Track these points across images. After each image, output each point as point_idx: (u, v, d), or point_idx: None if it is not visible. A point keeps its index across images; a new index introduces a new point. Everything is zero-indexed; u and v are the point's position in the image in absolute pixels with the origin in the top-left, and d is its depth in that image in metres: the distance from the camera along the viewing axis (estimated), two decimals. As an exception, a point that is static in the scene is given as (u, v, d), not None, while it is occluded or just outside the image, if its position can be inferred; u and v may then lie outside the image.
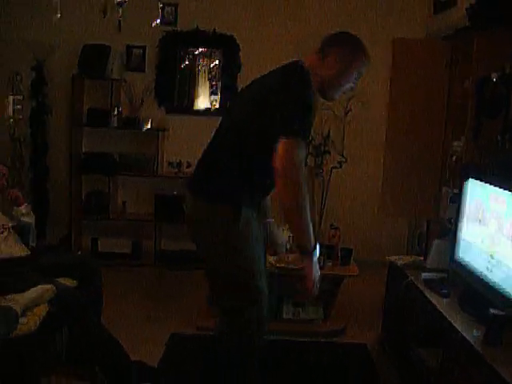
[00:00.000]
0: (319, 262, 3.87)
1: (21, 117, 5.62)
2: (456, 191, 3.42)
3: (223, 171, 2.46)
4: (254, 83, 2.59)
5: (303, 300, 3.89)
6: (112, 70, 5.41)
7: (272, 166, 2.25)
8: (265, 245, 2.73)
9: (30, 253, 3.45)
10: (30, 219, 3.69)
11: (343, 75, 2.48)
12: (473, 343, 2.43)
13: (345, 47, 2.49)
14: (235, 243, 2.45)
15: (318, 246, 2.36)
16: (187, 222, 2.66)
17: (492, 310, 2.44)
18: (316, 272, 2.38)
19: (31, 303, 2.89)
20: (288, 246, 4.10)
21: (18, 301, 2.82)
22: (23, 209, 3.64)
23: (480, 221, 2.94)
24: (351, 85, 2.55)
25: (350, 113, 5.31)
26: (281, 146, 2.21)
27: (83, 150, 5.64)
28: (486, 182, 2.92)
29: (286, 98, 2.29)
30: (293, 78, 2.38)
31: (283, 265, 3.78)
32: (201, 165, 2.64)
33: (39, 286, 2.98)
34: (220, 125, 2.64)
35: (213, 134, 2.64)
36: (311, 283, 2.37)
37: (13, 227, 3.51)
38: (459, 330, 2.58)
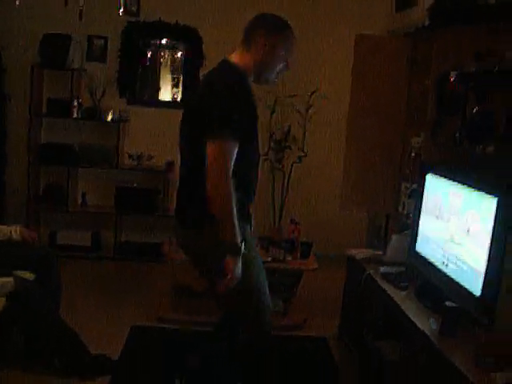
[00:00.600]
0: (281, 256, 3.93)
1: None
2: (415, 186, 3.48)
3: (196, 191, 2.40)
4: (196, 91, 2.61)
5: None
6: (73, 60, 5.32)
7: (243, 167, 2.32)
8: None
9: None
10: None
11: (272, 56, 2.47)
12: (429, 335, 2.48)
13: (266, 28, 2.45)
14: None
15: (243, 246, 2.34)
16: (182, 249, 2.66)
17: (448, 303, 2.50)
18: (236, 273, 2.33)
19: (-12, 296, 2.85)
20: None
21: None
22: None
23: (437, 215, 3.00)
24: (283, 63, 2.52)
25: (311, 108, 5.35)
26: (208, 150, 2.25)
27: (42, 141, 5.56)
28: (444, 178, 2.98)
29: (209, 100, 2.32)
30: (215, 78, 2.43)
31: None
32: (178, 190, 2.60)
33: (-3, 279, 2.95)
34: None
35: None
36: (228, 283, 2.33)
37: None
38: (416, 322, 2.64)
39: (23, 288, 3.07)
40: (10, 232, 3.49)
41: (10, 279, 3.01)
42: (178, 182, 2.60)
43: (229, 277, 2.30)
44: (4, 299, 2.96)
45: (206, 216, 2.31)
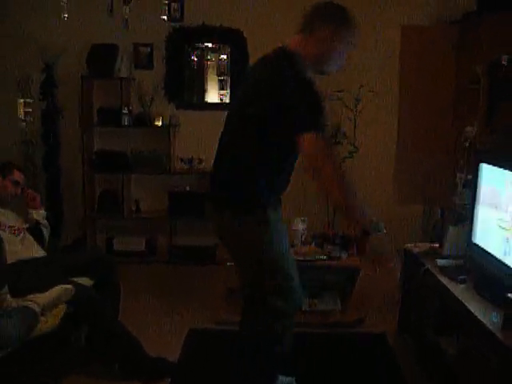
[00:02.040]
0: (336, 253, 3.89)
1: (32, 119, 5.66)
2: (470, 177, 3.40)
3: (240, 176, 2.45)
4: (248, 80, 2.57)
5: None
6: (120, 68, 5.41)
7: (287, 157, 2.35)
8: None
9: (46, 254, 3.48)
10: (45, 223, 3.71)
11: (332, 51, 2.42)
12: (491, 329, 2.41)
13: (331, 20, 2.39)
14: (266, 246, 2.46)
15: (381, 224, 2.31)
16: (215, 232, 2.68)
17: (510, 295, 2.43)
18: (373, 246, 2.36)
19: (50, 303, 2.92)
20: (303, 238, 4.10)
21: (37, 301, 2.85)
22: (40, 212, 3.66)
23: (495, 205, 2.92)
24: (344, 56, 2.48)
25: (360, 102, 5.28)
26: (306, 144, 2.23)
27: (95, 149, 5.66)
28: (499, 167, 2.90)
29: (292, 97, 2.26)
30: (289, 73, 2.32)
31: (300, 258, 3.78)
32: (216, 174, 2.62)
33: (58, 287, 3.01)
34: (225, 128, 2.62)
35: (220, 138, 2.63)
36: (387, 259, 2.36)
37: (27, 229, 3.54)
38: (477, 315, 2.57)
39: (83, 294, 3.13)
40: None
41: (71, 286, 3.07)
42: (221, 166, 2.59)
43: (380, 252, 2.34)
44: (65, 306, 3.02)
45: (250, 204, 2.39)
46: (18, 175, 3.50)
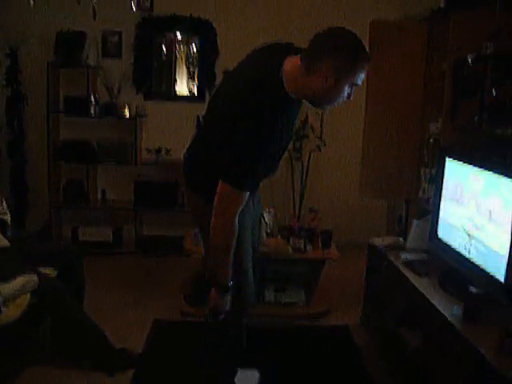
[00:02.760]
0: (302, 246, 3.92)
1: (-4, 106, 5.56)
2: (434, 172, 3.45)
3: (213, 168, 2.33)
4: (232, 78, 2.39)
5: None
6: (88, 56, 5.35)
7: None
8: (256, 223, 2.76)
9: (9, 243, 3.43)
10: (5, 216, 3.64)
11: (339, 86, 2.11)
12: (452, 321, 2.47)
13: (339, 54, 2.05)
14: None
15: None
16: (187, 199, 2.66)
17: (471, 289, 2.48)
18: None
19: (13, 294, 2.89)
20: (269, 231, 4.12)
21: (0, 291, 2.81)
22: None
23: (458, 200, 2.98)
24: (346, 96, 2.18)
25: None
26: (221, 190, 2.15)
27: (61, 139, 5.59)
28: (463, 162, 2.95)
29: (243, 135, 2.11)
30: (260, 93, 2.12)
31: (265, 249, 3.79)
32: (193, 158, 2.54)
33: (22, 277, 2.98)
34: (204, 118, 2.56)
35: (198, 126, 2.60)
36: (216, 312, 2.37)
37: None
38: (439, 308, 2.62)
39: (48, 285, 3.10)
40: None
41: (34, 276, 3.03)
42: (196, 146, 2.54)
43: (211, 306, 2.33)
44: (28, 296, 2.99)
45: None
46: None
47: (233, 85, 2.31)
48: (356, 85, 2.15)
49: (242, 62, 2.38)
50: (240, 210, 2.20)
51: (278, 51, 2.24)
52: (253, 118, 2.09)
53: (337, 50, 2.05)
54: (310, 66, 2.09)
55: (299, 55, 2.14)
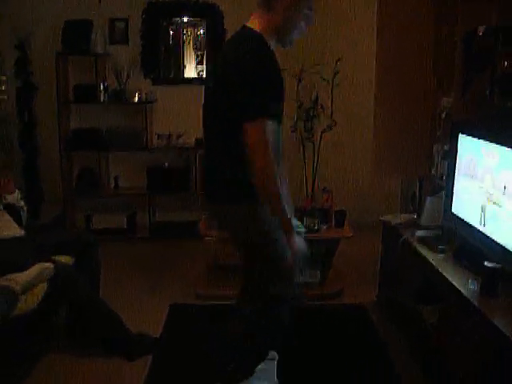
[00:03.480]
0: (316, 226, 3.91)
1: (6, 97, 5.58)
2: (447, 148, 3.42)
3: (231, 166, 2.39)
4: (219, 62, 2.45)
5: None
6: (95, 44, 5.35)
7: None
8: None
9: (24, 233, 3.45)
10: (21, 204, 3.66)
11: (294, 16, 2.36)
12: (469, 297, 2.46)
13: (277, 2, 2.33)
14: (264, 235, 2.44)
15: (295, 221, 2.37)
16: (218, 225, 2.77)
17: (487, 263, 2.47)
18: (299, 247, 2.40)
19: (30, 282, 2.91)
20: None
21: (17, 280, 2.84)
22: (14, 197, 3.60)
23: (472, 176, 2.95)
24: (307, 22, 2.41)
25: (337, 75, 5.27)
26: (246, 132, 2.20)
27: (72, 127, 5.60)
28: (476, 137, 2.92)
29: (241, 79, 2.24)
30: (244, 53, 2.28)
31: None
32: (208, 167, 2.58)
33: (38, 265, 3.00)
34: (203, 115, 2.56)
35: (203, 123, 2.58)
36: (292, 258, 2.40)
37: (4, 208, 3.50)
38: (455, 284, 2.61)
39: (64, 273, 3.12)
40: None
41: (51, 264, 3.05)
42: (205, 160, 2.59)
43: (294, 251, 2.36)
44: (46, 284, 3.01)
45: (242, 191, 2.34)
46: None
47: (222, 59, 2.41)
48: (311, 9, 2.39)
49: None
50: (270, 142, 2.22)
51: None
52: (251, 63, 2.24)
53: None
54: (265, 5, 2.35)
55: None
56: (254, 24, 2.37)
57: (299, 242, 2.41)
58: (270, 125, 2.24)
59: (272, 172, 2.24)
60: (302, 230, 2.69)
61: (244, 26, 2.40)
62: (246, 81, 2.23)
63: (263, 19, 2.36)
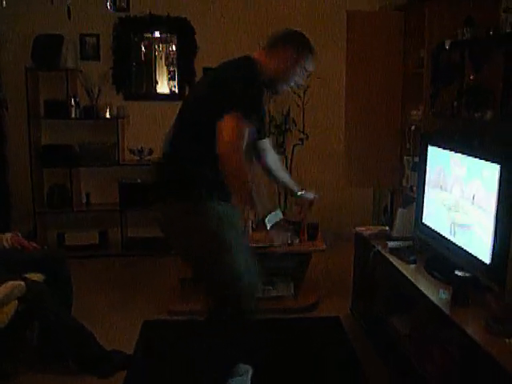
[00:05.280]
0: (287, 240, 3.92)
1: (-25, 111, 5.52)
2: (416, 160, 3.47)
3: (184, 166, 2.53)
4: (206, 77, 2.71)
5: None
6: (66, 59, 5.31)
7: None
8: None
9: (-6, 250, 3.40)
10: None
11: (289, 71, 2.63)
12: (441, 306, 2.48)
13: (290, 45, 2.62)
14: (209, 236, 2.51)
15: (278, 211, 2.41)
16: (161, 228, 2.76)
17: (457, 272, 2.50)
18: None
19: (1, 300, 2.86)
20: (254, 226, 4.12)
21: (-14, 298, 2.79)
22: None
23: (441, 186, 2.99)
24: (298, 80, 2.71)
25: (308, 89, 5.32)
26: (224, 120, 2.32)
27: (42, 143, 5.55)
28: (445, 149, 2.97)
29: (235, 84, 2.42)
30: (243, 69, 2.52)
31: (253, 244, 3.78)
32: (165, 162, 2.69)
33: (9, 283, 2.95)
34: (174, 124, 2.70)
35: (167, 136, 2.71)
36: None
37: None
38: (427, 294, 2.63)
39: (35, 290, 3.07)
40: (1, 240, 3.48)
41: (21, 282, 3.01)
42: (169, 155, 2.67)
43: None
44: (16, 302, 2.96)
45: (205, 191, 2.46)
46: None
47: (214, 72, 2.66)
48: (307, 70, 2.68)
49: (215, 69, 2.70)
50: (243, 144, 2.34)
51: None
52: (244, 80, 2.44)
53: (289, 39, 2.64)
54: (274, 48, 2.64)
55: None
56: (259, 58, 2.62)
57: (278, 233, 2.50)
58: (246, 123, 2.36)
59: (237, 161, 2.32)
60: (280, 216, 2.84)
61: (248, 56, 2.62)
62: (233, 88, 2.40)
63: (266, 60, 2.62)
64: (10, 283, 2.96)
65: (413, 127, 3.73)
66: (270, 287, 4.08)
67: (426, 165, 3.17)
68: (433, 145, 3.11)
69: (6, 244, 3.46)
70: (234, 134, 2.32)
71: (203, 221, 2.48)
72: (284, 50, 2.61)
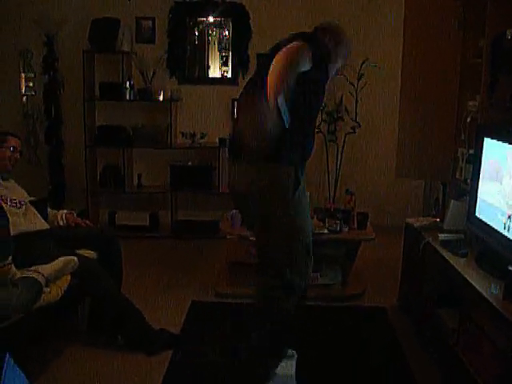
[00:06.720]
0: (338, 227, 3.91)
1: (33, 93, 5.66)
2: (472, 152, 3.40)
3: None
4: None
5: None
6: (122, 42, 5.39)
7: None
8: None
9: (49, 226, 3.49)
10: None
11: (336, 50, 2.75)
12: (491, 300, 2.44)
13: (334, 37, 2.77)
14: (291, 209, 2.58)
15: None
16: (234, 195, 2.82)
17: (511, 267, 2.45)
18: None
19: (55, 274, 2.93)
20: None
21: (41, 272, 2.86)
22: None
23: (497, 180, 2.93)
24: (338, 65, 2.84)
25: (362, 77, 5.27)
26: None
27: (97, 124, 5.66)
28: (502, 141, 2.90)
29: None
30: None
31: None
32: (240, 130, 2.63)
33: (62, 258, 3.03)
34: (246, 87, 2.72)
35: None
36: None
37: (30, 202, 3.54)
38: (477, 288, 2.59)
39: (87, 266, 3.15)
40: (57, 217, 3.57)
41: (75, 258, 3.08)
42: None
43: None
44: (69, 277, 3.04)
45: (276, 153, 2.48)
46: (13, 141, 3.46)
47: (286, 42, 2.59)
48: (343, 58, 2.83)
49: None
50: (296, 69, 2.33)
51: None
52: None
53: (334, 27, 2.85)
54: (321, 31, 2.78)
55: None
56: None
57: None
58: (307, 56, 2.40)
59: (290, 68, 2.29)
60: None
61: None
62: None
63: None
64: (63, 258, 3.04)
65: (469, 118, 3.65)
66: (318, 274, 4.08)
67: (481, 157, 3.11)
68: (489, 137, 3.04)
69: (61, 222, 3.55)
70: (295, 49, 2.36)
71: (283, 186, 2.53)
72: (330, 32, 2.77)
